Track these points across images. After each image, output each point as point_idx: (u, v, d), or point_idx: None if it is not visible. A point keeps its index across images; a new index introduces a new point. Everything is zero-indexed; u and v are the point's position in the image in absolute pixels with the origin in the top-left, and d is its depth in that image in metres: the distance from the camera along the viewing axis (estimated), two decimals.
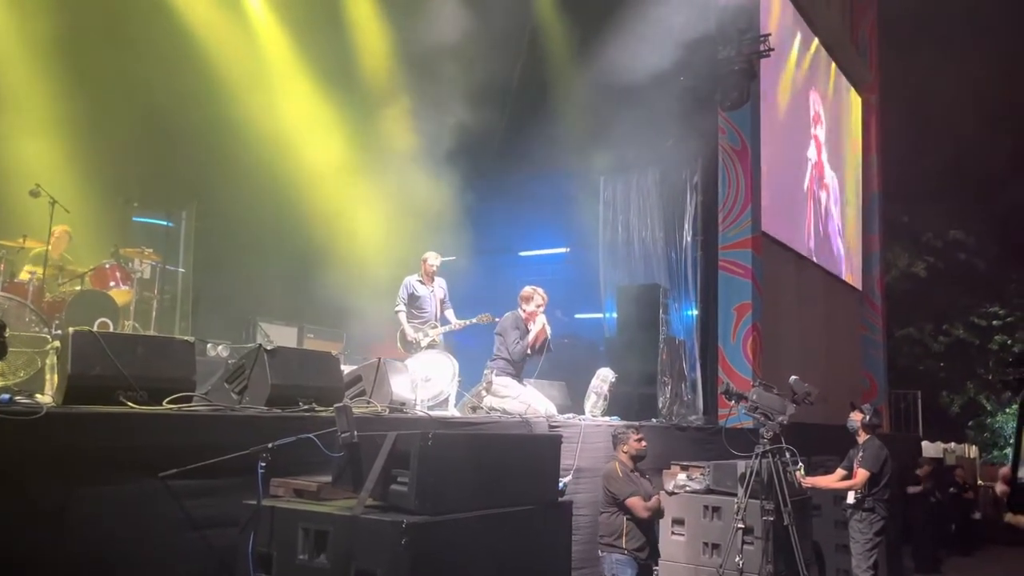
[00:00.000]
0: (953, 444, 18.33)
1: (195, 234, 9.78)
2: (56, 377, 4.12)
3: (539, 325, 6.91)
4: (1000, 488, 1.12)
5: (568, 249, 12.99)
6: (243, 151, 9.63)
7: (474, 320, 8.03)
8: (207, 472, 3.46)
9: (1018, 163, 20.85)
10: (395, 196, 10.22)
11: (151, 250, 8.36)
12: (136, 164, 9.12)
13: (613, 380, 7.53)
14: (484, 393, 6.56)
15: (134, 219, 9.35)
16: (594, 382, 7.47)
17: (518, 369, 6.89)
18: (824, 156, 14.72)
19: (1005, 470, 1.11)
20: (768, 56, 10.55)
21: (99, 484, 3.23)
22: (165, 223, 9.07)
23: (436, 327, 7.96)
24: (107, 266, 7.71)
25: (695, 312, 10.90)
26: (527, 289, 7.03)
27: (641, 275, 11.01)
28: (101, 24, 8.75)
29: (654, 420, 8.32)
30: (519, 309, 7.00)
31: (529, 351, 6.93)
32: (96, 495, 3.22)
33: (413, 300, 7.99)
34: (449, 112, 10.97)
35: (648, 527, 5.60)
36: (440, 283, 8.19)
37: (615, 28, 10.08)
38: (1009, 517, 1.13)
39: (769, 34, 10.52)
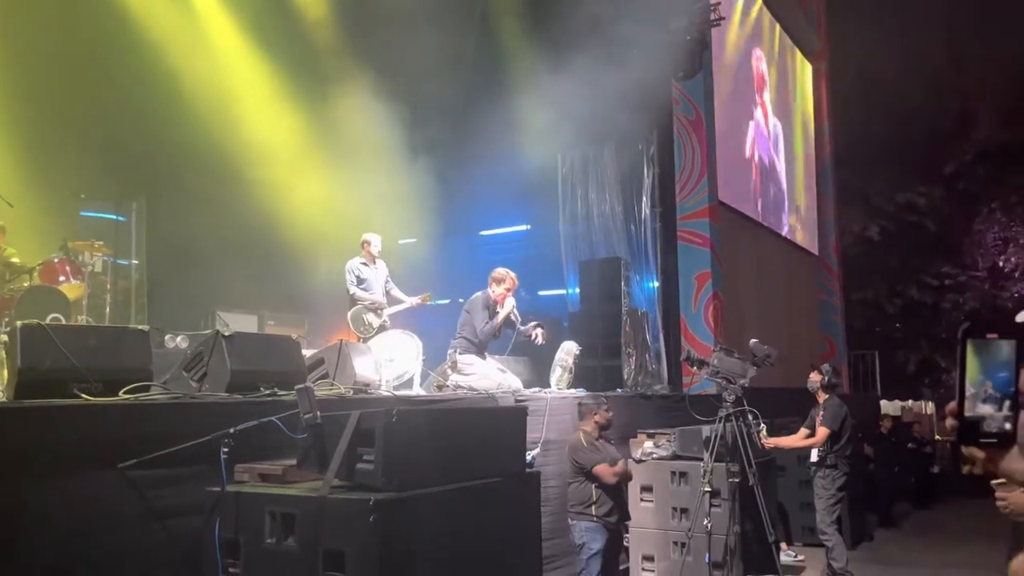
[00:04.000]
0: (910, 401, 18.82)
1: (147, 225, 9.55)
2: (6, 372, 4.01)
3: (508, 308, 6.93)
4: (949, 423, 1.14)
5: (529, 227, 12.99)
6: (193, 138, 9.42)
7: (417, 301, 8.03)
8: (168, 461, 3.40)
9: (964, 126, 21.33)
10: (352, 179, 10.09)
11: (101, 243, 8.16)
12: (82, 156, 8.86)
13: (578, 353, 7.57)
14: (449, 371, 6.55)
15: (82, 213, 9.11)
16: (559, 356, 7.50)
17: (482, 347, 6.90)
18: (769, 116, 14.86)
19: (952, 405, 1.14)
20: (718, 25, 10.60)
21: (56, 479, 3.16)
22: (115, 217, 8.85)
23: (384, 308, 7.95)
24: (56, 260, 7.52)
25: (656, 283, 10.99)
26: (499, 271, 7.02)
27: (602, 249, 11.06)
28: (43, 13, 8.47)
29: (619, 391, 8.39)
30: (488, 289, 6.98)
31: (497, 332, 6.94)
32: (53, 490, 3.15)
33: (360, 283, 7.96)
34: (403, 93, 10.85)
35: (616, 492, 5.66)
36: (382, 265, 8.18)
37: (567, 2, 10.04)
38: (964, 450, 1.16)
39: (719, 2, 10.56)
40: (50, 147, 8.43)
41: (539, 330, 7.07)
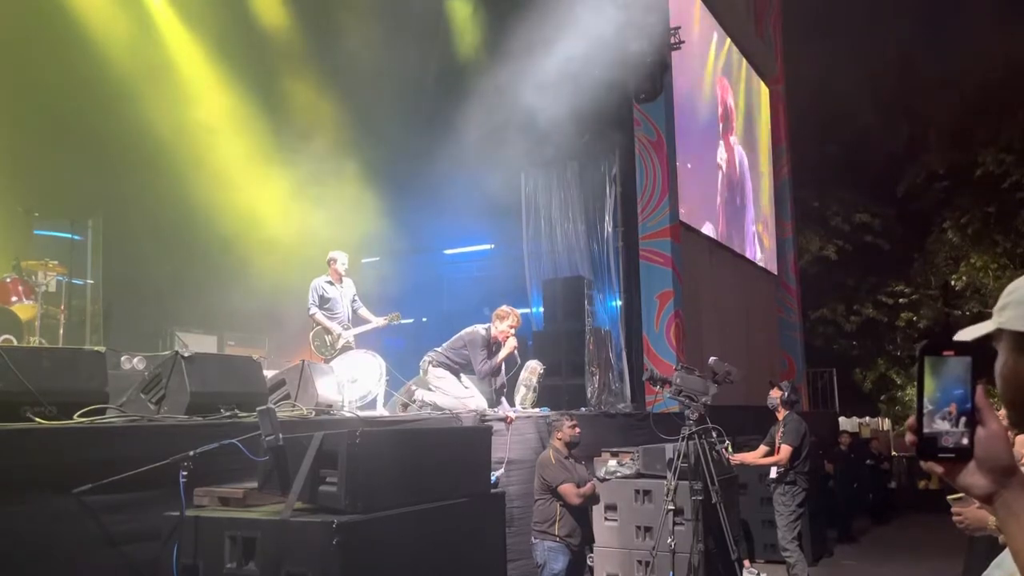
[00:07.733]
0: (868, 418, 19.16)
1: (103, 244, 9.36)
2: None
3: (509, 347, 6.75)
4: (909, 438, 1.17)
5: (493, 246, 13.01)
6: (150, 156, 9.28)
7: (384, 321, 7.93)
8: (125, 486, 3.32)
9: (915, 148, 21.97)
10: (314, 198, 10.03)
11: (56, 262, 7.96)
12: (36, 173, 8.67)
13: (542, 372, 7.58)
14: (414, 388, 6.51)
15: (36, 232, 8.89)
16: (523, 375, 7.50)
17: (457, 369, 6.80)
18: (735, 140, 15.13)
19: (911, 420, 1.17)
20: (679, 48, 10.78)
21: (8, 505, 3.06)
22: (70, 235, 8.65)
23: (348, 328, 7.84)
24: (8, 280, 7.32)
25: (619, 302, 11.06)
26: (503, 308, 6.82)
27: (565, 268, 11.10)
28: None
29: (583, 409, 8.40)
30: (491, 326, 6.80)
31: (496, 371, 6.81)
32: (5, 517, 3.05)
33: (324, 302, 7.82)
34: (366, 112, 10.83)
35: (581, 514, 5.65)
36: (349, 283, 8.06)
37: (528, 23, 10.13)
38: (923, 465, 1.19)
39: (679, 27, 10.75)
40: (2, 163, 8.23)
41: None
